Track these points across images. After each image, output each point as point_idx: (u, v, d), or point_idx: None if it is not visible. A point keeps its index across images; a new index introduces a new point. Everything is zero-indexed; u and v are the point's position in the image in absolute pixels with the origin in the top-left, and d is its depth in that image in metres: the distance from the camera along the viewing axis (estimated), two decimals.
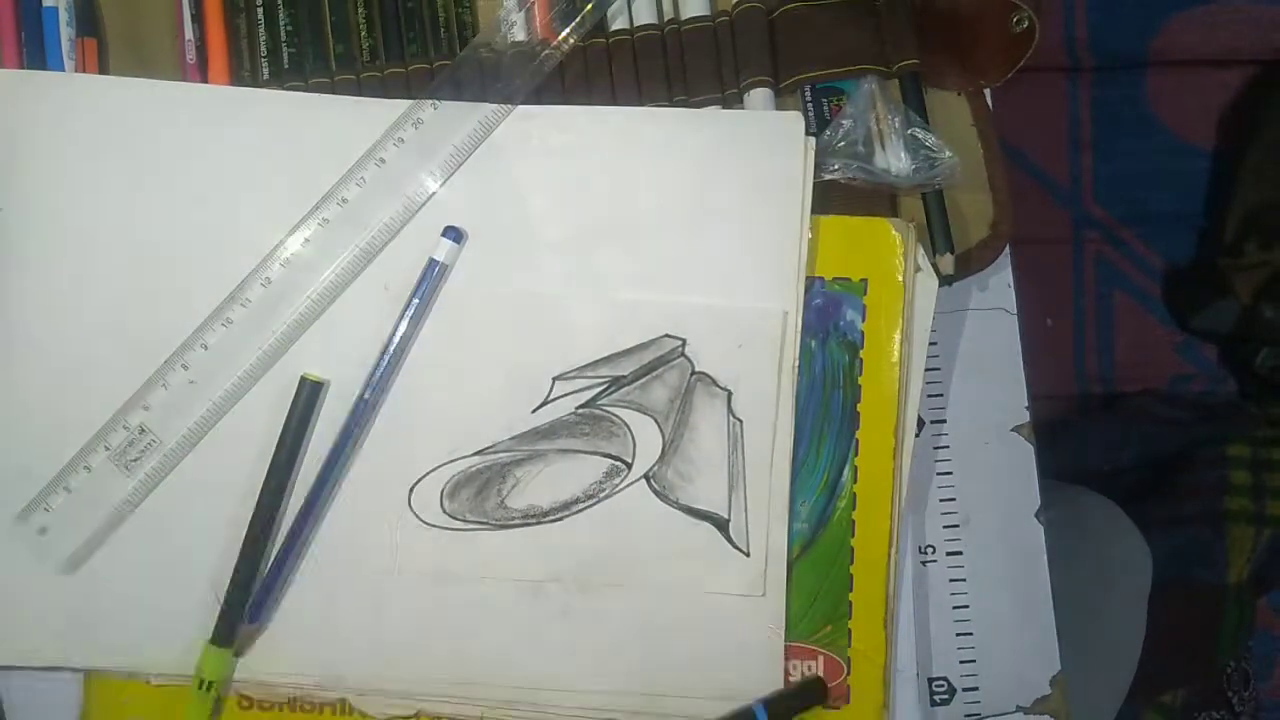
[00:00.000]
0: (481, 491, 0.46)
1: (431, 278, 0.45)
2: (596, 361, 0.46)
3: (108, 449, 0.45)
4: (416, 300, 0.45)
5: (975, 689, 0.50)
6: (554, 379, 0.46)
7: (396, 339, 0.45)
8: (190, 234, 0.46)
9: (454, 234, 0.45)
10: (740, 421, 0.46)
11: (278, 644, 0.46)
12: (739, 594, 0.46)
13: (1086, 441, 1.04)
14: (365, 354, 0.46)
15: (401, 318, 0.45)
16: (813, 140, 0.47)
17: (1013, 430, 0.51)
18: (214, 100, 0.47)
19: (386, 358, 0.45)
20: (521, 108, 0.46)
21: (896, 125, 0.48)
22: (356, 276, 0.46)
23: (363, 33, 0.49)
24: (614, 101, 0.48)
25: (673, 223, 0.47)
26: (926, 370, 0.48)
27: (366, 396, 0.45)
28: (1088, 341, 1.09)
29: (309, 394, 0.45)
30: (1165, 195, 1.08)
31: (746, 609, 0.46)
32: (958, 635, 0.50)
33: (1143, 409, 1.06)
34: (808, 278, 0.47)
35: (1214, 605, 0.97)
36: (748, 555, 0.46)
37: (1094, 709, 0.70)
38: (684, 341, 0.46)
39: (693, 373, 0.46)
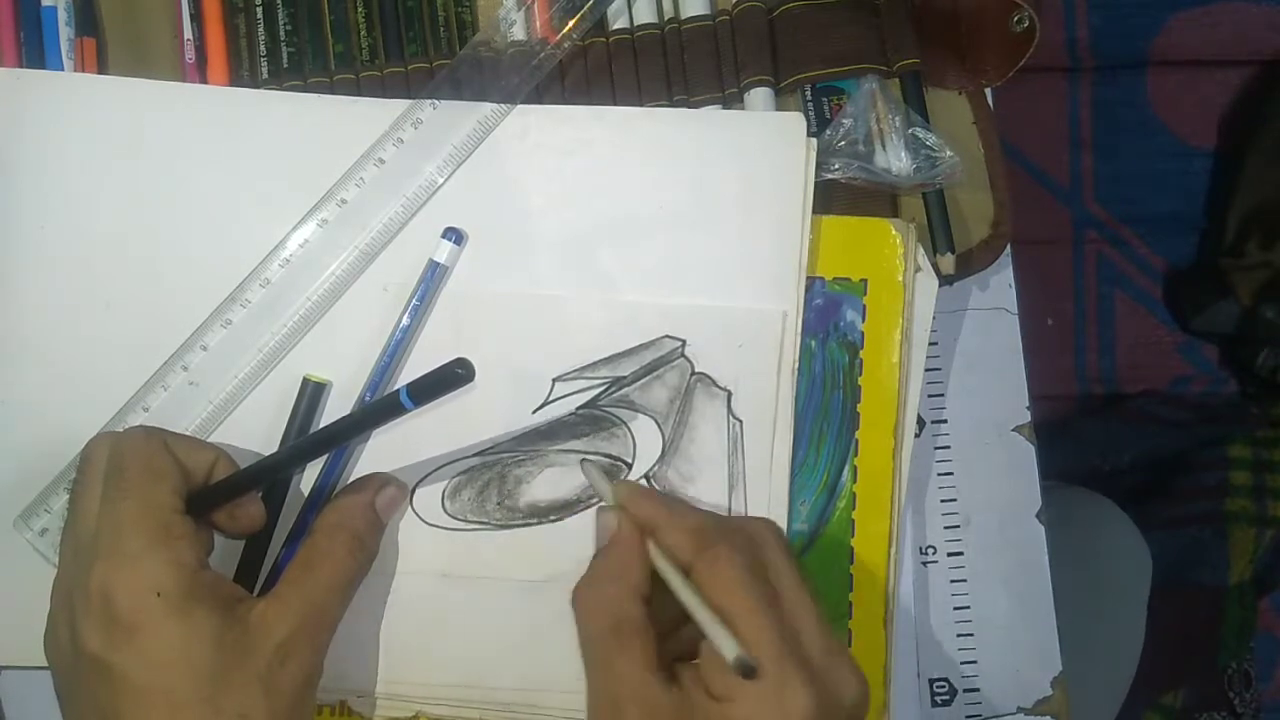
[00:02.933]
0: (483, 492, 0.46)
1: (431, 279, 0.45)
2: (596, 362, 0.46)
3: None
4: (416, 301, 0.45)
5: (976, 690, 0.50)
6: (554, 380, 0.46)
7: (397, 340, 0.45)
8: (189, 234, 0.46)
9: (454, 235, 0.45)
10: (740, 422, 0.46)
11: None
12: None
13: (1087, 442, 1.04)
14: (366, 355, 0.46)
15: (401, 319, 0.45)
16: (813, 140, 0.46)
17: (1013, 430, 0.51)
18: (213, 100, 0.47)
19: (387, 359, 0.45)
20: (521, 107, 0.46)
21: (897, 125, 0.48)
22: (356, 277, 0.46)
23: (362, 32, 0.49)
24: (614, 101, 0.48)
25: (673, 223, 0.47)
26: (926, 370, 0.48)
27: (368, 398, 0.45)
28: (1088, 342, 1.09)
29: (312, 395, 0.45)
30: (1165, 195, 1.09)
31: None
32: (958, 636, 0.50)
33: (1143, 410, 1.06)
34: (808, 278, 0.47)
35: (1215, 606, 0.97)
36: None
37: (1094, 709, 0.70)
38: (684, 342, 0.46)
39: (693, 373, 0.46)
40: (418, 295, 0.45)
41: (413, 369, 0.46)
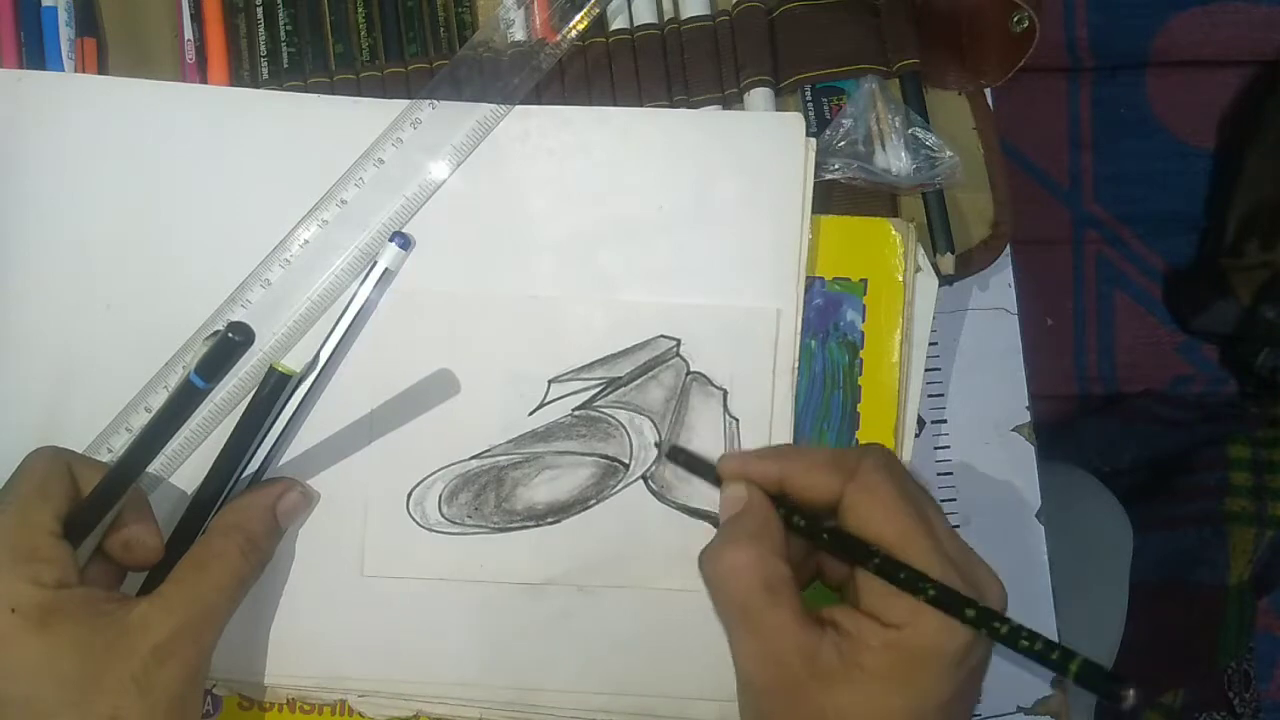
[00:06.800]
0: (480, 495, 0.46)
1: (371, 282, 0.45)
2: (592, 363, 0.46)
3: (110, 451, 0.45)
4: (354, 304, 0.45)
5: None
6: (550, 381, 0.46)
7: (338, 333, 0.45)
8: (190, 235, 0.46)
9: (401, 240, 0.45)
10: (736, 420, 0.46)
11: (277, 645, 0.46)
12: None
13: (1086, 442, 1.04)
14: (366, 355, 0.46)
15: (339, 319, 0.45)
16: (813, 141, 0.47)
17: (1013, 430, 0.51)
18: (213, 100, 0.47)
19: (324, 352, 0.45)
20: (520, 107, 0.46)
21: (897, 125, 0.48)
22: (356, 277, 0.46)
23: (362, 32, 0.49)
24: (614, 101, 0.48)
25: (672, 223, 0.47)
26: (926, 370, 0.48)
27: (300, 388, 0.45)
28: (1088, 341, 1.09)
29: (275, 385, 0.44)
30: (1165, 195, 1.08)
31: None
32: None
33: (1143, 409, 1.06)
34: (808, 278, 0.47)
35: (1215, 606, 0.97)
36: None
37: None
38: (679, 341, 0.46)
39: (688, 372, 0.46)
40: (355, 296, 0.45)
41: (405, 373, 0.46)
